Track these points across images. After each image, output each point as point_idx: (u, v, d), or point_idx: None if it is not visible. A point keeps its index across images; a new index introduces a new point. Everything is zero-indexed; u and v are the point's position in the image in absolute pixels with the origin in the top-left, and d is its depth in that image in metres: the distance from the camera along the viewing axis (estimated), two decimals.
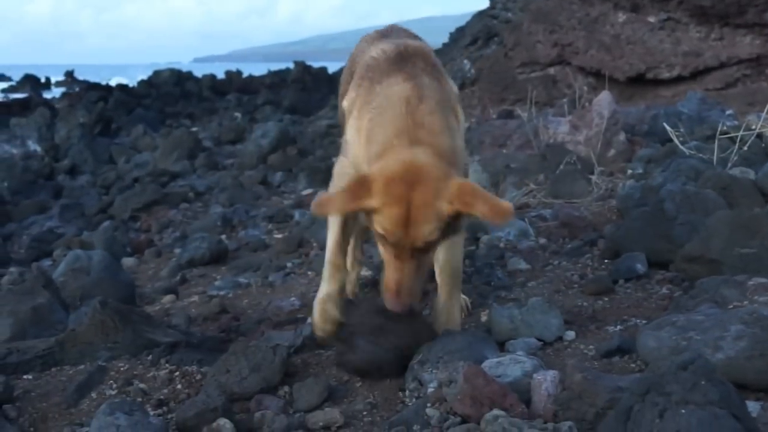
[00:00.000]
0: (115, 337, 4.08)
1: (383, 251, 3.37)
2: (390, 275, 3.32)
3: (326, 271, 3.84)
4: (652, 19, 13.78)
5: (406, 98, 3.44)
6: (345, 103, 3.98)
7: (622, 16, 14.01)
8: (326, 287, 3.80)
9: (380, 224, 3.25)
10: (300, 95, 30.91)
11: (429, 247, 3.30)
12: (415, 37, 4.30)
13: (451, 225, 3.27)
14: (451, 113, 3.60)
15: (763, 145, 7.12)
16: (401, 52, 3.72)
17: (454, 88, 3.84)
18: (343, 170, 3.79)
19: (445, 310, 3.82)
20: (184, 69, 40.99)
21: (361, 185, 3.27)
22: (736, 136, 6.87)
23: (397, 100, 3.46)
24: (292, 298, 5.14)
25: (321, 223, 5.44)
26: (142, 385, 3.66)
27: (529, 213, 6.38)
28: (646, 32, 13.83)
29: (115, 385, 3.70)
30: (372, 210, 3.26)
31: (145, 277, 7.18)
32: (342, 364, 3.69)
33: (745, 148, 6.81)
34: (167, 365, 3.87)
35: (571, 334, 3.86)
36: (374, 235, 3.40)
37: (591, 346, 3.70)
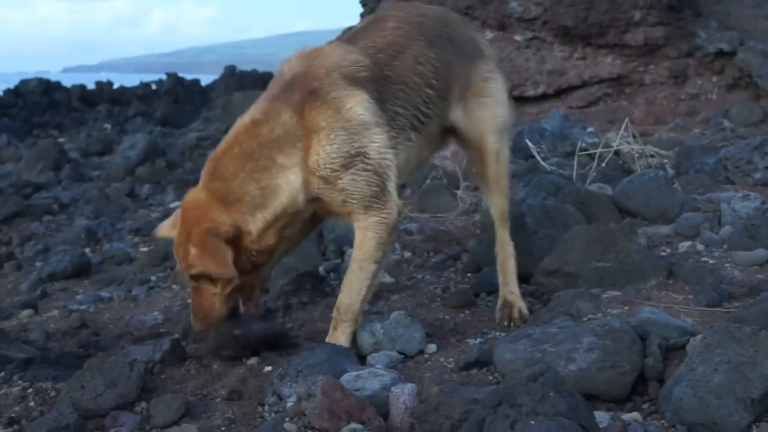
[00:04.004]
0: None
1: None
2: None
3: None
4: (518, 38, 14.06)
5: (226, 140, 3.81)
6: None
7: (489, 35, 14.24)
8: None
9: None
10: (172, 107, 30.43)
11: (202, 279, 3.71)
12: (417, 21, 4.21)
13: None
14: (290, 151, 3.70)
15: (621, 161, 7.35)
16: (289, 81, 3.85)
17: (353, 113, 3.75)
18: None
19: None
20: (53, 79, 39.89)
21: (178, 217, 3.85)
22: (595, 153, 7.08)
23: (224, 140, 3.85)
24: (155, 313, 5.06)
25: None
26: None
27: None
28: (513, 51, 14.10)
29: None
30: None
31: (3, 291, 6.95)
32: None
33: (604, 164, 7.02)
34: (20, 382, 3.75)
35: (432, 347, 3.90)
36: None
37: (451, 359, 3.75)
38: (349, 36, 4.14)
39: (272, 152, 3.68)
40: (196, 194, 3.72)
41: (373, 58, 3.92)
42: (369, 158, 3.71)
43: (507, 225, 4.46)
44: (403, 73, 3.97)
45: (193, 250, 3.60)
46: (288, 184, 3.68)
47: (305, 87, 3.77)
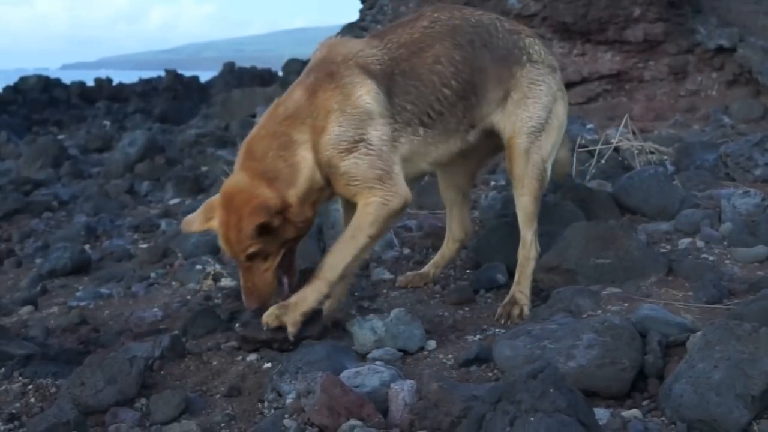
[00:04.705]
0: None
1: None
2: (241, 282, 3.94)
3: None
4: None
5: (258, 123, 4.02)
6: None
7: None
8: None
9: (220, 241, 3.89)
10: (171, 104, 30.44)
11: (256, 258, 3.81)
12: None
13: (274, 236, 3.77)
14: (301, 128, 3.88)
15: (620, 158, 7.33)
16: (310, 66, 4.09)
17: (361, 101, 3.90)
18: None
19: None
20: (52, 76, 39.83)
21: (210, 209, 3.95)
22: (595, 150, 7.06)
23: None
24: (155, 309, 5.06)
25: (187, 233, 5.45)
26: None
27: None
28: None
29: None
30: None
31: (3, 287, 6.95)
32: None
33: (603, 161, 7.00)
34: (21, 378, 3.76)
35: (432, 344, 3.90)
36: None
37: (450, 356, 3.75)
38: (380, 32, 4.34)
39: (288, 129, 3.88)
40: (236, 179, 3.86)
41: (391, 54, 4.10)
42: (372, 145, 3.87)
43: (531, 226, 4.42)
44: (420, 70, 4.12)
45: (247, 228, 3.70)
46: (305, 160, 3.85)
47: (322, 70, 3.98)
